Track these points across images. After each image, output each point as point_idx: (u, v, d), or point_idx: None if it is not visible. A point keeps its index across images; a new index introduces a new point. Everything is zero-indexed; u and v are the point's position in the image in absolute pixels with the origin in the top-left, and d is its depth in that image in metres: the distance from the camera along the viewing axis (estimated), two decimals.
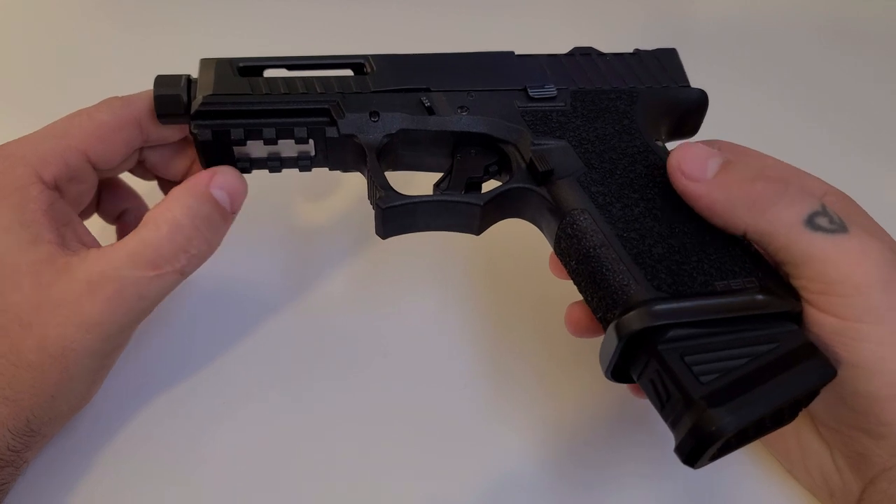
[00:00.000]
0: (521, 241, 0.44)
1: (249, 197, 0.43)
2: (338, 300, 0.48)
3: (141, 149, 0.44)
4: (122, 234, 0.48)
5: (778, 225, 0.35)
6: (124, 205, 0.48)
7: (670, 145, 0.46)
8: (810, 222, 0.34)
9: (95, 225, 0.46)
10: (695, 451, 0.32)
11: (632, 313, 0.34)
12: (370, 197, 0.42)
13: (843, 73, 0.68)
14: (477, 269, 0.51)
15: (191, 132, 0.41)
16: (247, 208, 0.43)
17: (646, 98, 0.43)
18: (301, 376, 0.45)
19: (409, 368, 0.46)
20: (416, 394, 0.44)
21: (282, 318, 0.47)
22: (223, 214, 0.41)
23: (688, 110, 0.44)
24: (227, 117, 0.41)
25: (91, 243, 0.40)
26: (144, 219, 0.39)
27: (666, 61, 0.45)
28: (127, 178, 0.48)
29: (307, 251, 0.51)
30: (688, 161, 0.37)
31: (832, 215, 0.35)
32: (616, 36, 0.67)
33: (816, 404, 0.36)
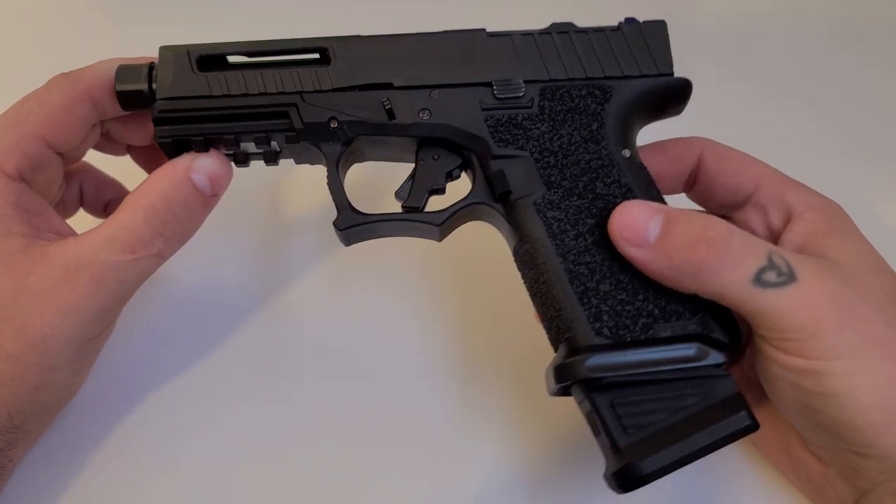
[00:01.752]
0: (493, 241, 0.44)
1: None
2: (312, 303, 0.50)
3: (102, 122, 0.44)
4: None
5: (725, 289, 0.35)
6: (108, 195, 0.48)
7: (650, 128, 0.44)
8: (757, 280, 0.34)
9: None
10: (620, 489, 0.35)
11: (569, 361, 0.36)
12: None
13: (846, 73, 0.64)
14: (451, 269, 0.51)
15: (154, 139, 0.41)
16: (220, 205, 0.43)
17: (620, 95, 0.40)
18: (268, 384, 0.47)
19: (380, 374, 0.47)
20: (387, 399, 0.46)
21: (253, 324, 0.49)
22: (202, 199, 0.41)
23: (667, 98, 0.42)
24: (186, 122, 0.41)
25: (66, 232, 0.41)
26: (123, 203, 0.40)
27: (652, 40, 0.41)
28: (106, 162, 0.48)
29: (280, 252, 0.52)
30: (628, 227, 0.36)
31: (780, 266, 0.34)
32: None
33: (800, 428, 0.38)
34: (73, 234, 0.41)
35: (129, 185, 0.50)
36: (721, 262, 0.34)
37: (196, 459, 0.44)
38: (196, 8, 0.67)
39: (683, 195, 0.45)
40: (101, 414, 0.45)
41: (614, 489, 0.35)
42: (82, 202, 0.48)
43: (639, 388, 0.35)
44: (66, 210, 0.47)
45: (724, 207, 0.43)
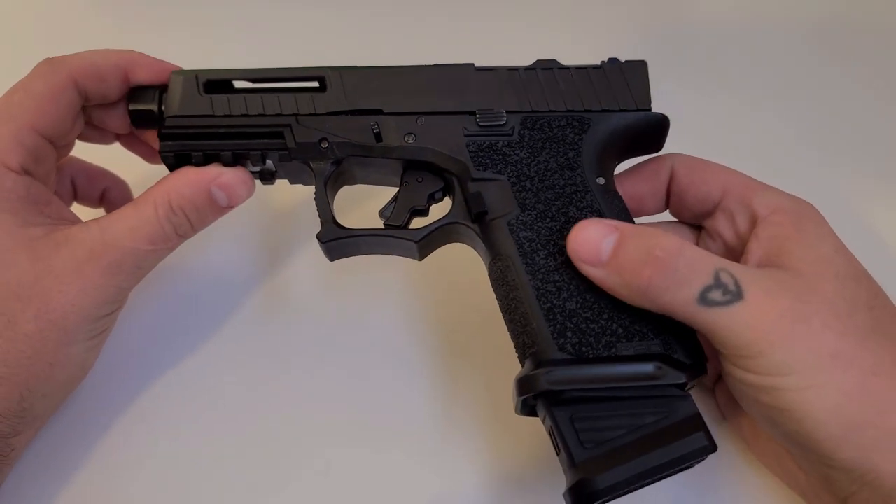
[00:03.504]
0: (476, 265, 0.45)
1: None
2: (305, 303, 0.51)
3: (84, 109, 0.45)
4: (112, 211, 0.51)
5: (672, 308, 0.35)
6: (102, 185, 0.50)
7: (630, 162, 0.45)
8: (702, 299, 0.35)
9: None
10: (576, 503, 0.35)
11: (532, 374, 0.36)
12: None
13: (837, 79, 0.65)
14: (436, 285, 0.52)
15: (159, 153, 0.44)
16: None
17: (597, 127, 0.42)
18: (257, 387, 0.48)
19: (370, 377, 0.48)
20: (386, 399, 0.47)
21: (247, 323, 0.50)
22: (216, 209, 0.44)
23: (644, 132, 0.43)
24: (188, 139, 0.43)
25: (73, 218, 0.43)
26: (145, 195, 0.42)
27: (632, 77, 0.43)
28: (97, 153, 0.50)
29: (274, 255, 0.54)
30: (582, 246, 0.37)
31: (727, 284, 0.35)
32: (614, 36, 0.65)
33: (777, 439, 0.38)
34: (78, 220, 0.43)
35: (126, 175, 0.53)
36: (666, 282, 0.35)
37: (190, 455, 0.45)
38: (196, 6, 0.69)
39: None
40: (101, 406, 0.47)
41: (571, 502, 0.35)
42: (76, 196, 0.50)
43: (599, 405, 0.36)
44: None
45: (697, 217, 0.44)
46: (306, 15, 0.68)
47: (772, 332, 0.34)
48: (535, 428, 0.40)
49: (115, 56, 0.44)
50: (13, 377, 0.39)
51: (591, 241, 0.37)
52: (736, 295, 0.35)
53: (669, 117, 0.43)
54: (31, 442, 0.44)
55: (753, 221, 0.40)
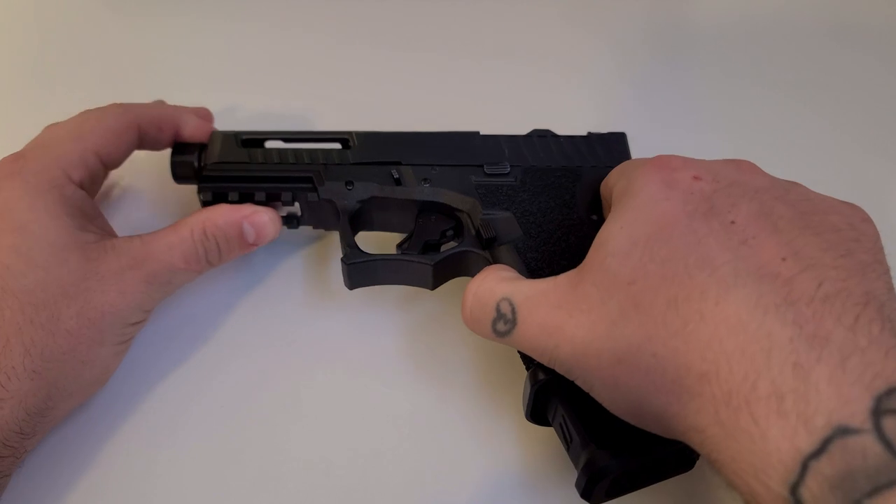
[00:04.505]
0: None
1: None
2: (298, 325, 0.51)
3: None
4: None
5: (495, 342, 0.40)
6: (173, 129, 0.52)
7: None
8: (496, 332, 0.39)
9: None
10: (588, 485, 0.37)
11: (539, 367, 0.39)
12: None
13: (848, 72, 0.67)
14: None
15: (198, 193, 0.49)
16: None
17: (588, 176, 0.49)
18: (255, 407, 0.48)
19: (376, 374, 0.49)
20: (385, 398, 0.48)
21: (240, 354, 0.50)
22: (244, 244, 0.48)
23: None
24: (226, 181, 0.49)
25: (114, 233, 0.47)
26: (183, 221, 0.46)
27: (614, 144, 0.51)
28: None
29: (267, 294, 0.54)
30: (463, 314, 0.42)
31: (506, 314, 0.38)
32: (615, 37, 0.69)
33: None
34: (116, 236, 0.46)
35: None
36: (473, 324, 0.41)
37: (191, 456, 0.45)
38: (196, 5, 0.72)
39: None
40: (102, 407, 0.47)
41: (583, 485, 0.37)
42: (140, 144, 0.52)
43: None
44: None
45: None
46: (320, 14, 0.72)
47: (542, 346, 0.36)
48: (540, 434, 0.42)
49: (172, 111, 0.51)
50: (46, 372, 0.40)
51: (465, 302, 0.41)
52: (513, 322, 0.38)
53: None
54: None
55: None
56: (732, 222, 0.33)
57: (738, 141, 0.55)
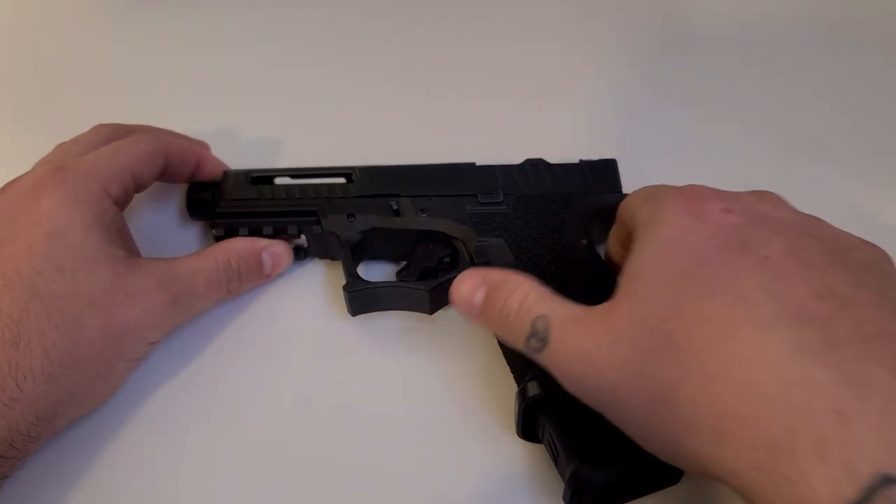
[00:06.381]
0: None
1: None
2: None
3: None
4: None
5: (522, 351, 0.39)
6: (194, 162, 0.55)
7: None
8: (528, 348, 0.38)
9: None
10: (573, 497, 0.38)
11: (532, 382, 0.41)
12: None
13: (847, 74, 0.67)
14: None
15: (210, 228, 0.52)
16: None
17: (577, 202, 0.51)
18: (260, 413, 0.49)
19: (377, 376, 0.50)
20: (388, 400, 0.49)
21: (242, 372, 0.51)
22: (260, 275, 0.52)
23: (615, 209, 0.52)
24: (237, 217, 0.52)
25: (139, 254, 0.49)
26: (206, 250, 0.49)
27: (605, 171, 0.53)
28: None
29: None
30: (459, 301, 0.42)
31: (539, 332, 0.37)
32: (606, 66, 0.70)
33: None
34: (141, 256, 0.49)
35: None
36: (507, 334, 0.39)
37: (190, 458, 0.47)
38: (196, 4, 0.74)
39: None
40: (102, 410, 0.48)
41: (568, 498, 0.38)
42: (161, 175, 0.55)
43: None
44: None
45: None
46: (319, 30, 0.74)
47: (571, 373, 0.36)
48: (534, 450, 0.44)
49: (194, 145, 0.55)
50: (63, 378, 0.41)
51: (464, 295, 0.41)
52: (544, 342, 0.37)
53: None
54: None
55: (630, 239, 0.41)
56: (766, 258, 0.32)
57: (729, 168, 0.56)
